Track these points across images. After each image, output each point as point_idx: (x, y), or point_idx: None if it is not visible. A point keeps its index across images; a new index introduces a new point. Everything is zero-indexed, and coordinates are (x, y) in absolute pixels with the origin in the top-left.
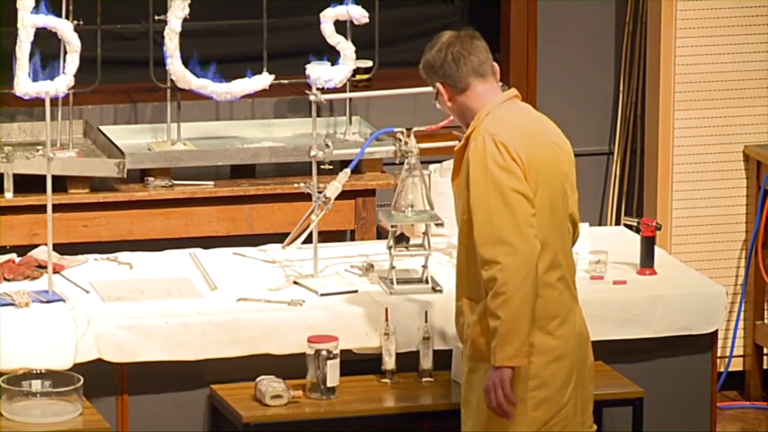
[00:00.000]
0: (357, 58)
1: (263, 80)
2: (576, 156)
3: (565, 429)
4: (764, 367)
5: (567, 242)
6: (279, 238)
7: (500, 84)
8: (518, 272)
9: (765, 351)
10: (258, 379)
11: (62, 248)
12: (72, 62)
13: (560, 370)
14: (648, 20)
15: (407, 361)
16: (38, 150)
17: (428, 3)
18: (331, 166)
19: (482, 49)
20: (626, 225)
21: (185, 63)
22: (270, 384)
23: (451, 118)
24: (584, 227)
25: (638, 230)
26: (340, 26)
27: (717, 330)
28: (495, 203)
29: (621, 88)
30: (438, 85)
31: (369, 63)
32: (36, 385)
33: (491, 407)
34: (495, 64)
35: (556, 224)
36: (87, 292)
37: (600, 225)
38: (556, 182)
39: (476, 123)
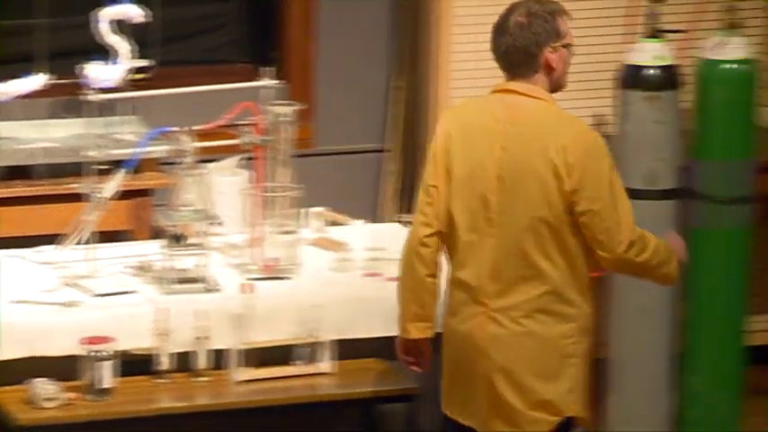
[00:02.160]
0: (135, 58)
1: (38, 80)
2: (354, 153)
3: (457, 410)
4: None
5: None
6: (54, 239)
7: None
8: (402, 253)
9: None
10: (31, 381)
11: None
12: None
13: (447, 353)
14: (424, 15)
15: (183, 361)
16: None
17: (205, 1)
18: (108, 166)
19: None
20: (402, 222)
21: None
22: (43, 387)
23: (230, 116)
24: (358, 224)
25: None
26: (118, 25)
27: None
28: None
29: (397, 84)
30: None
31: (146, 62)
32: None
33: None
34: None
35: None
36: None
37: (376, 222)
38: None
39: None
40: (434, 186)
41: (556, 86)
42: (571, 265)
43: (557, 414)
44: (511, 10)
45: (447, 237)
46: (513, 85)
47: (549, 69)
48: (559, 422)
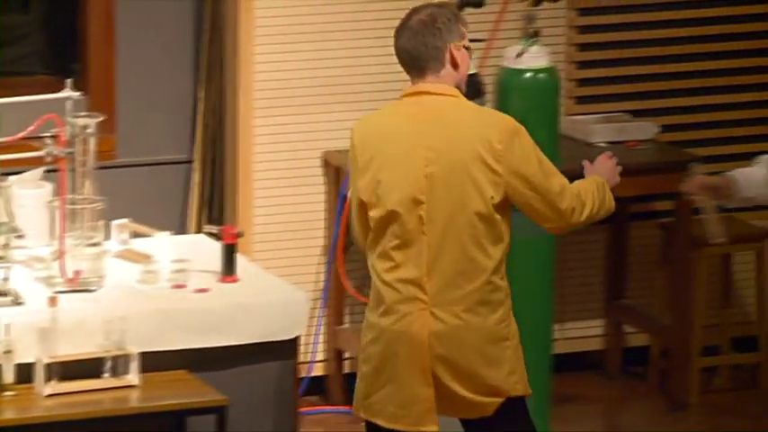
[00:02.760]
0: None
1: None
2: (157, 164)
3: (380, 412)
4: (344, 371)
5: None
6: None
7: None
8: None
9: (345, 356)
10: None
11: None
12: None
13: (375, 353)
14: (226, 26)
15: None
16: None
17: (4, 12)
18: None
19: None
20: (207, 233)
21: None
22: None
23: (32, 128)
24: (164, 235)
25: (219, 238)
26: None
27: (299, 336)
28: None
29: (200, 95)
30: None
31: None
32: None
33: None
34: None
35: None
36: None
37: (182, 233)
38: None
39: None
40: (362, 199)
41: (459, 85)
42: (501, 252)
43: (502, 396)
44: (413, 12)
45: (375, 240)
46: (425, 86)
47: (455, 65)
48: (502, 402)
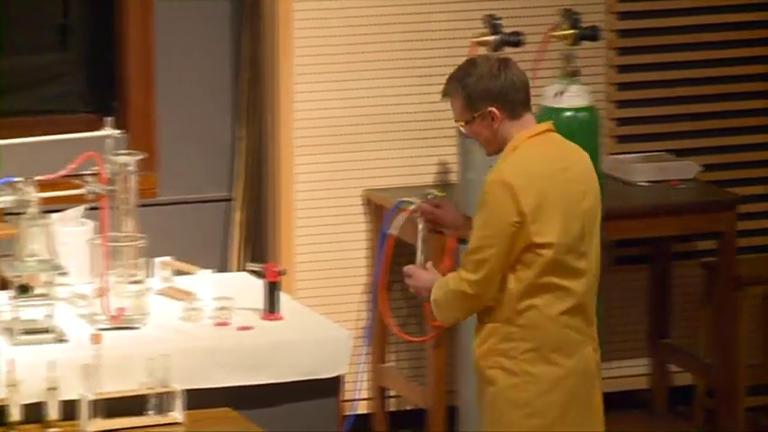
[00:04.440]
0: None
1: None
2: (199, 202)
3: None
4: (389, 409)
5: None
6: None
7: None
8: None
9: (389, 393)
10: None
11: None
12: None
13: (555, 402)
14: (266, 66)
15: (33, 412)
16: None
17: (43, 51)
18: None
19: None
20: (250, 271)
21: None
22: None
23: (73, 166)
24: (207, 273)
25: (262, 276)
26: None
27: (342, 374)
28: None
29: (241, 134)
30: (492, 110)
31: None
32: None
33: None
34: None
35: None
36: None
37: (224, 271)
38: (574, 221)
39: (502, 157)
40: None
41: None
42: None
43: None
44: (487, 57)
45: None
46: (547, 124)
47: None
48: None
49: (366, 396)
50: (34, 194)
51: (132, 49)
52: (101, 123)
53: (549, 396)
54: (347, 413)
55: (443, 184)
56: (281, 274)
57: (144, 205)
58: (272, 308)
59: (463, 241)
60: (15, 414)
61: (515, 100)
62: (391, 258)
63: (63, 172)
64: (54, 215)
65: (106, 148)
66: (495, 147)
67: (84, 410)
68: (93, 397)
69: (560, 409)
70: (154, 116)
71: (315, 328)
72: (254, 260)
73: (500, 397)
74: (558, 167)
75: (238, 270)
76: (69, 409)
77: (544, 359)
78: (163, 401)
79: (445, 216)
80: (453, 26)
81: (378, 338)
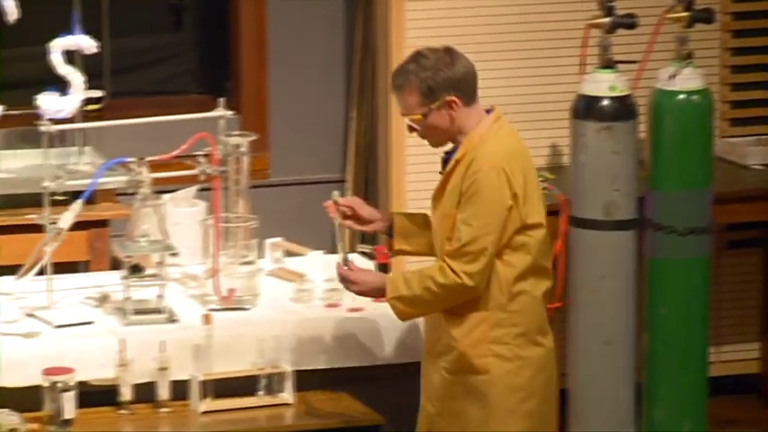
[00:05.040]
0: (88, 88)
1: None
2: (310, 183)
3: None
4: None
5: None
6: (12, 270)
7: None
8: (481, 285)
9: None
10: None
11: None
12: None
13: (542, 382)
14: (378, 48)
15: (144, 392)
16: None
17: (157, 32)
18: (64, 197)
19: None
20: (361, 252)
21: None
22: (5, 418)
23: (185, 147)
24: (317, 254)
25: (372, 257)
26: (70, 56)
27: None
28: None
29: (353, 114)
30: (451, 98)
31: (99, 93)
32: None
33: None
34: None
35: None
36: None
37: (335, 253)
38: (543, 199)
39: (468, 147)
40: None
41: None
42: None
43: None
44: (432, 48)
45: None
46: (498, 109)
47: None
48: None
49: None
50: (146, 175)
51: (245, 29)
52: (213, 104)
53: (537, 378)
54: None
55: (554, 167)
56: (391, 255)
57: (255, 186)
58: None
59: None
60: (126, 394)
61: (471, 87)
62: None
63: (175, 153)
64: (166, 196)
65: (218, 129)
66: (448, 137)
67: (194, 391)
68: (203, 377)
69: (544, 389)
70: (266, 97)
71: None
72: (364, 241)
73: (495, 384)
74: (525, 148)
75: (349, 251)
76: (180, 390)
77: (532, 342)
78: (273, 382)
79: (361, 211)
80: (566, 8)
81: None
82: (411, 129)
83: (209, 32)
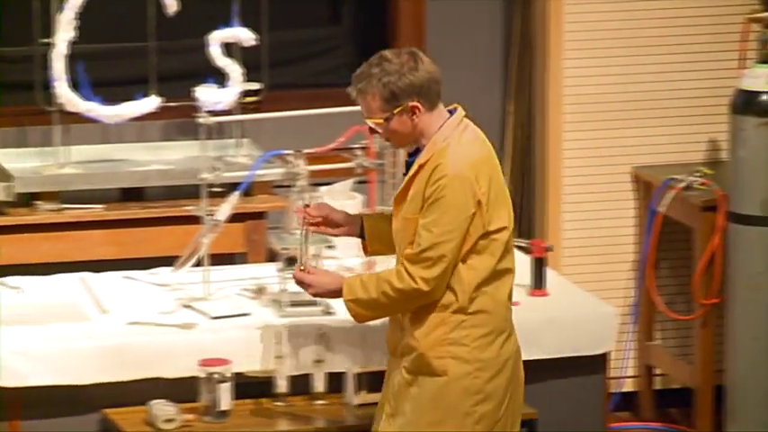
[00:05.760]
0: (245, 81)
1: (151, 103)
2: None
3: None
4: (655, 387)
5: None
6: (169, 261)
7: None
8: (437, 291)
9: (656, 371)
10: (150, 403)
11: None
12: None
13: (501, 385)
14: (536, 41)
15: (300, 384)
16: None
17: (315, 25)
18: (221, 189)
19: None
20: (517, 247)
21: (73, 86)
22: (162, 408)
23: (342, 140)
24: None
25: (528, 252)
26: (228, 48)
27: (608, 351)
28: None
29: (510, 109)
30: (414, 103)
31: (257, 85)
32: None
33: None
34: None
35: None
36: None
37: None
38: (509, 200)
39: (432, 151)
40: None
41: None
42: None
43: None
44: (396, 51)
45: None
46: (461, 110)
47: None
48: None
49: (632, 374)
50: (303, 167)
51: (403, 22)
52: None
53: (496, 380)
54: (613, 391)
55: (712, 162)
56: (547, 250)
57: None
58: (538, 284)
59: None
60: (282, 386)
61: (434, 92)
62: (659, 236)
63: (332, 145)
64: (323, 188)
65: None
66: (411, 141)
67: (350, 384)
68: (359, 370)
69: (504, 391)
70: None
71: (581, 305)
72: (521, 236)
73: (452, 387)
74: (489, 150)
75: None
76: (335, 382)
77: (492, 344)
78: None
79: (332, 215)
80: (724, 2)
81: (644, 316)
82: (372, 131)
83: (367, 26)
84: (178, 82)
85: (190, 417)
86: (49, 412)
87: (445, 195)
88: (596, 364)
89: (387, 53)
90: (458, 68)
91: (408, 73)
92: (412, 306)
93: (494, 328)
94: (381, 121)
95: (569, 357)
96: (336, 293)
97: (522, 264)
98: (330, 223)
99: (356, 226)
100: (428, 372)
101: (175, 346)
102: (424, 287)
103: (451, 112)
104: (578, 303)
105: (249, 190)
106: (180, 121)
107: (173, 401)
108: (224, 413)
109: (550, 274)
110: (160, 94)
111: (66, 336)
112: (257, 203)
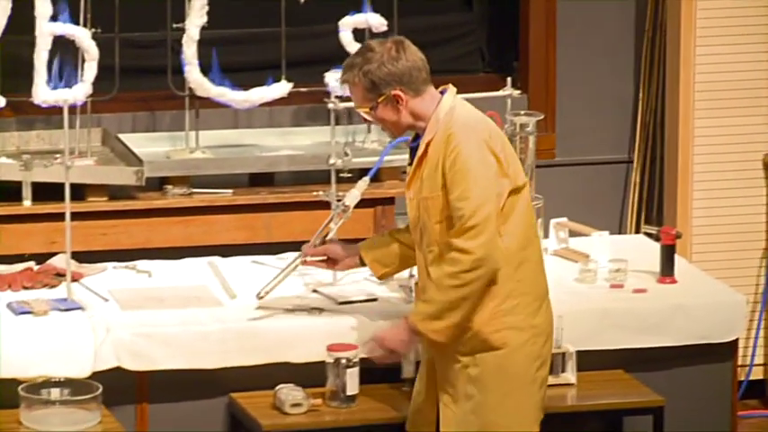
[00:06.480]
0: None
1: (282, 88)
2: (596, 164)
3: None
4: None
5: None
6: (297, 246)
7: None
8: (494, 255)
9: None
10: (277, 387)
11: (80, 257)
12: (90, 70)
13: (550, 349)
14: (668, 26)
15: None
16: (56, 158)
17: (447, 11)
18: (350, 174)
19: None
20: (646, 233)
21: (204, 71)
22: (289, 392)
23: None
24: (604, 235)
25: (658, 239)
26: (359, 34)
27: (737, 339)
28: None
29: (641, 95)
30: (397, 92)
31: None
32: (55, 393)
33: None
34: None
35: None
36: (106, 300)
37: (620, 233)
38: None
39: (436, 127)
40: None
41: None
42: None
43: None
44: (382, 41)
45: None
46: (453, 88)
47: None
48: None
49: (761, 362)
50: None
51: (535, 9)
52: (501, 83)
53: (547, 344)
54: (742, 378)
55: None
56: (677, 237)
57: (541, 166)
58: (667, 271)
59: None
60: (409, 371)
61: (418, 79)
62: None
63: None
64: None
65: (506, 108)
66: (403, 128)
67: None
68: None
69: (549, 355)
70: (554, 77)
71: (710, 292)
72: (650, 222)
73: (514, 357)
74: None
75: (634, 232)
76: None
77: (540, 308)
78: (555, 362)
79: (333, 255)
80: None
81: None
82: (365, 120)
83: (498, 12)
84: (308, 67)
85: (317, 401)
86: (177, 396)
87: (467, 160)
88: (725, 351)
89: (372, 42)
90: (589, 54)
91: (388, 62)
92: (483, 283)
93: (539, 293)
94: (368, 110)
95: (698, 345)
96: (410, 330)
97: (651, 251)
98: (333, 262)
99: (356, 257)
100: (487, 347)
101: (303, 330)
102: (482, 253)
103: (443, 93)
104: (707, 291)
105: (378, 175)
106: (310, 106)
107: (300, 386)
108: (351, 398)
109: (680, 262)
110: (290, 80)
111: (195, 320)
112: (386, 189)
